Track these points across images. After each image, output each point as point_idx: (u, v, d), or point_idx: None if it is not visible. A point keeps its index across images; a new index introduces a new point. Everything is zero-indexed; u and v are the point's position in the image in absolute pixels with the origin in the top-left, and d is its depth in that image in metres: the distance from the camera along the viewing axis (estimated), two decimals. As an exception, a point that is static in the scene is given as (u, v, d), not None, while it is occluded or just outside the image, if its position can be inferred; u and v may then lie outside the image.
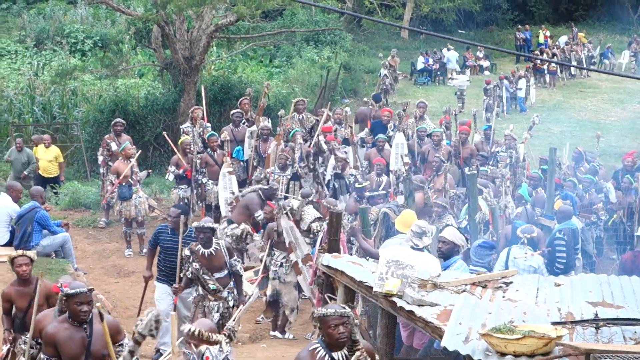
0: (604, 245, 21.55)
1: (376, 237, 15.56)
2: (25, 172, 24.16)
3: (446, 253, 12.75)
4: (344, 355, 8.21)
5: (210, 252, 13.56)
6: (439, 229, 14.42)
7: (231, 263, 13.85)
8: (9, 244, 18.19)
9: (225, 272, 13.82)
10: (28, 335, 10.56)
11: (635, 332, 8.96)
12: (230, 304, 13.92)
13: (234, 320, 13.37)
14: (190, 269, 13.64)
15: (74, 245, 18.94)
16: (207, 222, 13.89)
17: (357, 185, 19.26)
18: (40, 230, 18.04)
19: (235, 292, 14.05)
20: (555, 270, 15.07)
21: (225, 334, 11.66)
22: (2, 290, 12.43)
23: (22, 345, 11.08)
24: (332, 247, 12.61)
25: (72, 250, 18.52)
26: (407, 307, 9.89)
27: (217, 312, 13.71)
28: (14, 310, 12.26)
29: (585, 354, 7.97)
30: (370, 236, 15.54)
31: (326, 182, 21.43)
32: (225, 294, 13.79)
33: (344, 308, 8.40)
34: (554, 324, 9.00)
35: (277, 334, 16.26)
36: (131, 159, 20.55)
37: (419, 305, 9.92)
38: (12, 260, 11.99)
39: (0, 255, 17.75)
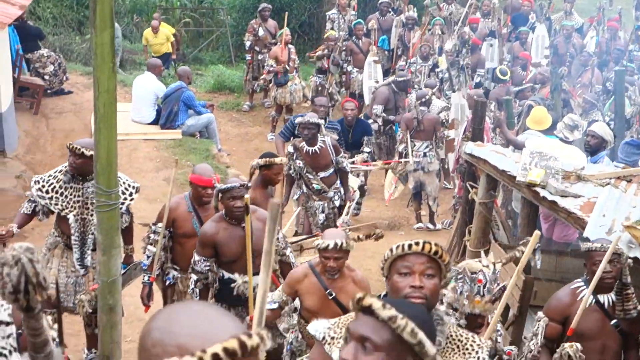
0: None
1: (519, 129, 15.46)
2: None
3: (594, 147, 12.59)
4: (610, 299, 7.24)
5: (315, 150, 12.89)
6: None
7: (337, 160, 13.16)
8: (155, 122, 18.63)
9: (331, 170, 13.16)
10: (159, 225, 10.00)
11: None
12: (337, 203, 13.37)
13: (346, 214, 13.34)
14: (293, 166, 13.03)
15: (218, 127, 19.23)
16: (312, 117, 13.16)
17: (501, 77, 19.09)
18: (185, 110, 18.38)
19: (342, 191, 13.43)
20: None
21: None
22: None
23: (153, 236, 10.05)
24: (476, 135, 12.61)
25: (216, 132, 18.82)
26: (550, 198, 9.86)
27: (323, 212, 13.24)
28: None
29: None
30: (513, 127, 15.48)
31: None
32: (330, 194, 13.22)
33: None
34: (700, 219, 8.89)
35: (429, 225, 16.32)
36: (289, 45, 20.67)
37: (562, 196, 9.88)
38: (262, 167, 11.04)
39: (147, 133, 18.28)
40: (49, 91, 19.86)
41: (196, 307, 2.70)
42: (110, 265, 6.31)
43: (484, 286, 5.61)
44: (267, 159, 11.06)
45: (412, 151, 16.07)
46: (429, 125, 16.22)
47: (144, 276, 9.98)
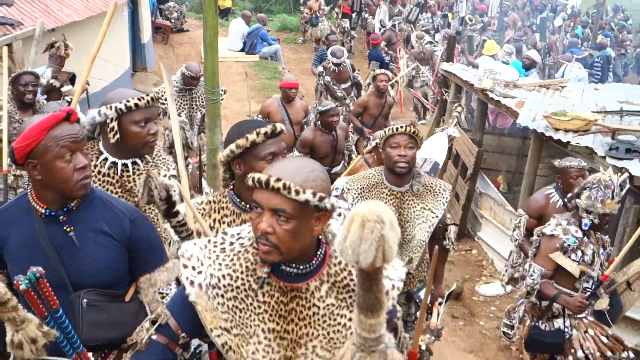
0: (629, 69, 20.80)
1: (477, 56, 15.28)
2: None
3: (528, 66, 12.72)
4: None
5: (339, 69, 11.86)
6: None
7: (354, 76, 12.25)
8: (242, 50, 18.78)
9: (349, 83, 12.12)
10: (259, 116, 9.65)
11: (647, 120, 8.73)
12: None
13: None
14: (322, 81, 12.10)
15: (283, 53, 19.12)
16: (340, 53, 12.02)
17: (469, 22, 18.93)
18: (261, 42, 18.50)
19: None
20: (593, 80, 14.80)
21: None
22: (361, 99, 10.81)
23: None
24: (449, 58, 12.49)
25: (282, 57, 18.79)
26: (496, 98, 9.81)
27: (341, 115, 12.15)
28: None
29: (612, 131, 7.81)
30: (473, 54, 15.31)
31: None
32: (347, 100, 11.98)
33: (582, 162, 6.48)
34: (593, 112, 8.79)
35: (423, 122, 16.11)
36: None
37: (504, 97, 9.81)
38: (374, 77, 10.19)
39: (237, 57, 18.34)
40: (174, 30, 19.77)
41: (298, 160, 2.43)
42: (214, 137, 6.35)
43: (613, 191, 5.13)
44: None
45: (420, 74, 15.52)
46: (428, 56, 15.80)
47: None
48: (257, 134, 3.13)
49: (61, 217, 2.91)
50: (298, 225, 2.28)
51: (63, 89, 8.29)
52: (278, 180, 2.24)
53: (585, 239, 5.28)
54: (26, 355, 2.58)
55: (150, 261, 3.11)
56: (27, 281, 2.53)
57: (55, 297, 2.65)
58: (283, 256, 2.32)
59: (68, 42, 8.70)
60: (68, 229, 2.91)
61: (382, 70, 10.29)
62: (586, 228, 5.24)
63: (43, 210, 2.91)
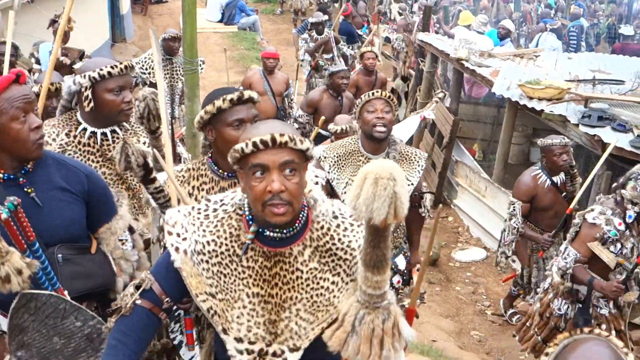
0: (601, 39, 20.87)
1: (452, 26, 15.21)
2: None
3: (503, 36, 12.66)
4: (561, 179, 6.24)
5: (323, 37, 11.90)
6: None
7: (339, 47, 12.16)
8: (220, 21, 18.71)
9: (330, 55, 11.92)
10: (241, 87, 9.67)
11: (618, 89, 8.76)
12: None
13: None
14: (306, 50, 12.05)
15: (261, 24, 19.00)
16: (319, 17, 12.11)
17: None
18: (240, 13, 18.41)
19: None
20: (569, 50, 14.83)
21: None
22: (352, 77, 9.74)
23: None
24: (426, 28, 12.44)
25: (260, 27, 18.67)
26: (471, 67, 9.80)
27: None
28: None
29: (585, 99, 7.85)
30: (448, 24, 15.25)
31: None
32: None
33: (565, 138, 6.20)
34: (566, 81, 8.82)
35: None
36: None
37: (479, 66, 9.82)
38: (362, 55, 9.87)
39: (216, 28, 18.25)
40: (152, 1, 19.64)
41: (269, 120, 2.45)
42: (193, 107, 6.31)
43: None
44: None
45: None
46: (412, 26, 15.53)
47: None
48: (223, 100, 3.12)
49: (21, 179, 2.91)
50: (302, 176, 2.31)
51: (75, 66, 8.18)
52: (282, 134, 2.24)
53: (627, 232, 4.98)
54: (14, 287, 2.65)
55: (108, 211, 3.17)
56: (7, 210, 2.59)
57: (32, 229, 2.73)
58: (294, 212, 2.32)
59: (71, 16, 8.56)
60: (29, 190, 2.90)
61: (369, 48, 10.18)
62: (630, 220, 4.94)
63: (1, 175, 2.89)
